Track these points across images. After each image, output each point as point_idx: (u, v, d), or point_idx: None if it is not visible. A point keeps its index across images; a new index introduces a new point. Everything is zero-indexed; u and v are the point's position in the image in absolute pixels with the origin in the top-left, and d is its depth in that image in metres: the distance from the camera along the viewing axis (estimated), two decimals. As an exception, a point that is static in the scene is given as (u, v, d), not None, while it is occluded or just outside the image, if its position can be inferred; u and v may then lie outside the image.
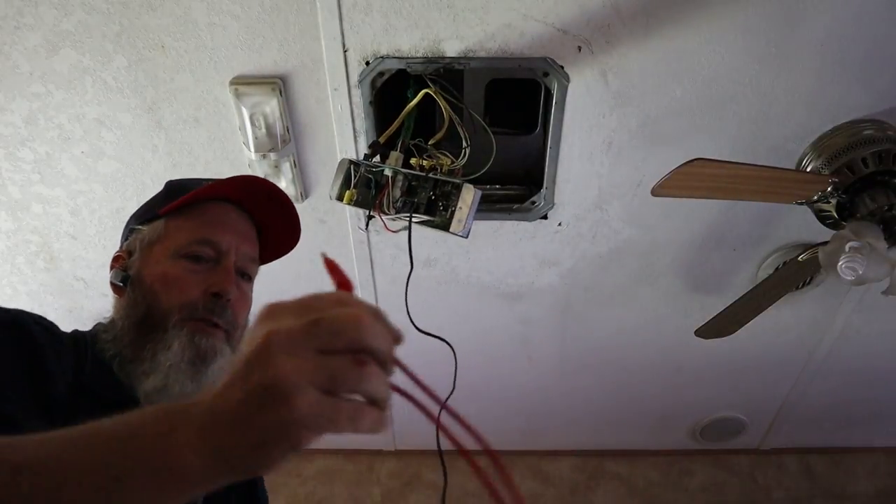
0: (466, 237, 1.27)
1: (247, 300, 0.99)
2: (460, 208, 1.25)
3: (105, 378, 0.85)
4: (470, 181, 1.27)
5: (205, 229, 0.95)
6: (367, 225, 1.71)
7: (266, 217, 1.03)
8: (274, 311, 0.48)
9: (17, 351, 0.76)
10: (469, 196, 1.24)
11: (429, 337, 1.36)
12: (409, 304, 1.34)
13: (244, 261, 0.98)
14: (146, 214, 1.00)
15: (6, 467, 0.45)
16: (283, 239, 1.07)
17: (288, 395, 0.43)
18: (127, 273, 0.95)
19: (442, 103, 1.38)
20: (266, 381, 0.44)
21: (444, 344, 1.37)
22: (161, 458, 0.45)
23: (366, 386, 0.46)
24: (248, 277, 1.00)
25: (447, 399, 1.35)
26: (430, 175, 1.28)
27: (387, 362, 0.48)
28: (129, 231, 1.01)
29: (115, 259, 0.99)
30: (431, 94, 1.38)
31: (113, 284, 0.96)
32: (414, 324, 1.32)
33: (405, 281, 2.00)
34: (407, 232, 1.34)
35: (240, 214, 1.00)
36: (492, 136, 1.44)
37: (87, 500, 0.45)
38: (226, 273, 0.93)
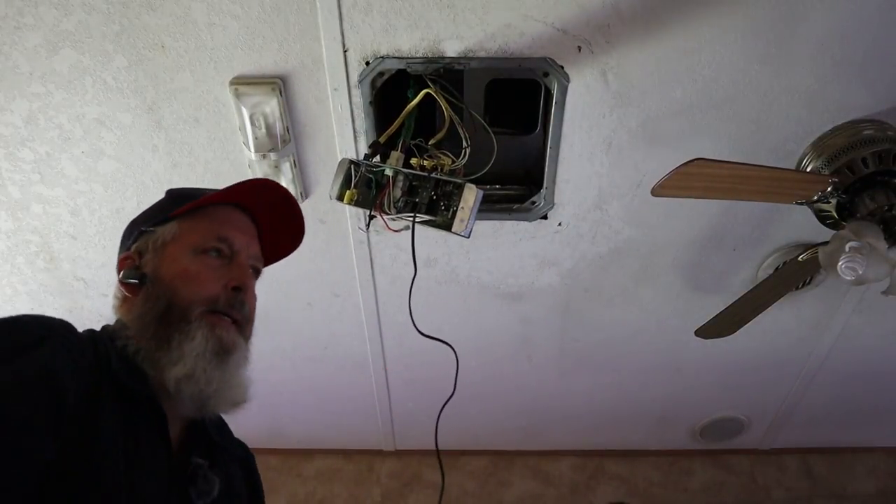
0: (468, 237, 1.27)
1: (255, 295, 1.04)
2: (462, 208, 1.24)
3: (130, 368, 0.89)
4: (471, 181, 1.27)
5: (219, 228, 1.01)
6: (367, 225, 1.72)
7: (267, 216, 1.09)
8: None
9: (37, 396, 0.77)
10: (471, 196, 1.24)
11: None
12: (410, 305, 1.35)
13: (254, 259, 1.05)
14: (155, 217, 1.03)
15: None
16: (286, 236, 1.13)
17: None
18: (143, 271, 0.97)
19: (442, 103, 1.38)
20: None
21: (446, 345, 1.37)
22: None
23: None
24: (257, 273, 1.07)
25: (448, 400, 1.40)
26: (432, 175, 1.28)
27: None
28: (137, 234, 1.02)
29: (124, 260, 1.01)
30: (432, 93, 1.38)
31: (126, 284, 0.97)
32: (417, 328, 1.33)
33: (406, 281, 2.01)
34: (407, 231, 1.34)
35: (243, 216, 1.06)
36: (492, 136, 1.44)
37: None
38: (242, 268, 1.00)
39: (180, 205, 1.02)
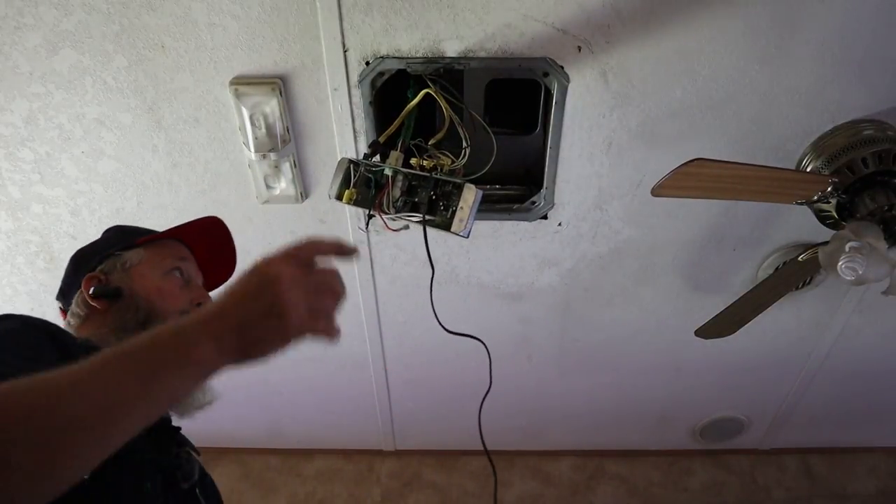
0: (467, 237, 1.27)
1: None
2: (461, 208, 1.24)
3: None
4: (470, 181, 1.27)
5: (177, 252, 1.19)
6: (367, 225, 1.72)
7: (205, 251, 1.25)
8: (271, 262, 0.71)
9: (41, 339, 0.88)
10: (470, 196, 1.24)
11: (452, 336, 1.39)
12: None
13: (201, 282, 1.22)
14: (117, 245, 1.17)
15: (54, 389, 0.60)
16: (221, 269, 1.30)
17: (286, 312, 0.68)
18: (119, 287, 1.10)
19: (442, 103, 1.38)
20: (274, 301, 0.68)
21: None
22: (184, 355, 0.65)
23: (332, 311, 0.73)
24: None
25: (486, 395, 1.47)
26: (432, 175, 1.28)
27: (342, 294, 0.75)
28: (102, 257, 1.15)
29: (90, 279, 1.11)
30: (432, 93, 1.38)
31: (98, 298, 1.09)
32: (444, 326, 1.36)
33: (406, 281, 2.02)
34: (407, 231, 1.34)
35: (188, 249, 1.23)
36: (492, 136, 1.44)
37: (133, 391, 0.63)
38: (200, 288, 1.19)
39: (132, 237, 1.18)
